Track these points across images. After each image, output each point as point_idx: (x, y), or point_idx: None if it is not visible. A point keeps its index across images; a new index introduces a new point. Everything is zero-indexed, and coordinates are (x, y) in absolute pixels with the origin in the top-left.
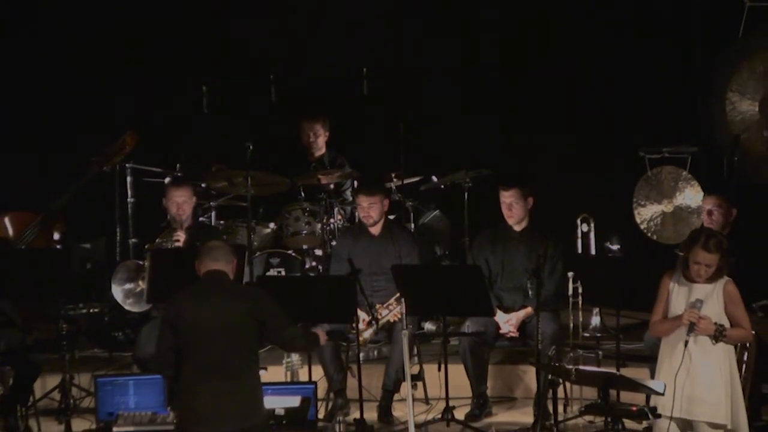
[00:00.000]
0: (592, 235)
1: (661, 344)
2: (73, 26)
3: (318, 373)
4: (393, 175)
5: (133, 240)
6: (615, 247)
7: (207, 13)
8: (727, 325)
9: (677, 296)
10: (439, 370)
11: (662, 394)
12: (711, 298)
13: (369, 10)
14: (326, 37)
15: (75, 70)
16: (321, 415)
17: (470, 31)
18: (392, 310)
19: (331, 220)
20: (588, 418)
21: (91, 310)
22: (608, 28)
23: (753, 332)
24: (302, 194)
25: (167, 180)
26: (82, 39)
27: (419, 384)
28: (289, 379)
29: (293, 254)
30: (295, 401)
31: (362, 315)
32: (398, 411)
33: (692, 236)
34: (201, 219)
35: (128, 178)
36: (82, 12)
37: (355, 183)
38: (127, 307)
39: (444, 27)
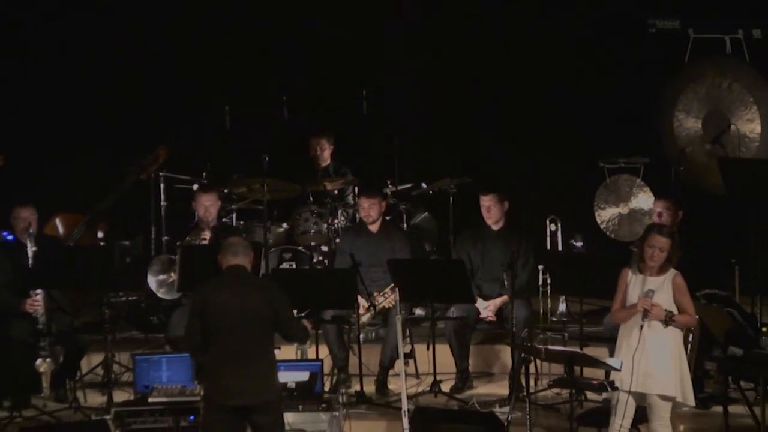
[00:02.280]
0: (559, 233)
1: (620, 328)
2: (121, 57)
3: (324, 351)
4: (388, 182)
5: (166, 238)
6: (579, 243)
7: (228, 43)
8: (675, 312)
9: (633, 287)
10: (428, 349)
11: (619, 370)
12: (662, 288)
13: (368, 42)
14: (331, 64)
15: (115, 93)
16: (327, 388)
17: (454, 60)
18: (387, 298)
19: (335, 221)
20: (555, 390)
21: (130, 298)
22: (576, 57)
23: (697, 317)
24: (311, 199)
25: (195, 186)
26: (126, 69)
27: (411, 361)
28: (299, 357)
29: (303, 250)
30: (304, 376)
31: (362, 302)
32: (393, 384)
33: (648, 228)
34: (224, 220)
35: (161, 185)
36: (130, 45)
37: (356, 189)
38: (160, 295)
39: (433, 57)
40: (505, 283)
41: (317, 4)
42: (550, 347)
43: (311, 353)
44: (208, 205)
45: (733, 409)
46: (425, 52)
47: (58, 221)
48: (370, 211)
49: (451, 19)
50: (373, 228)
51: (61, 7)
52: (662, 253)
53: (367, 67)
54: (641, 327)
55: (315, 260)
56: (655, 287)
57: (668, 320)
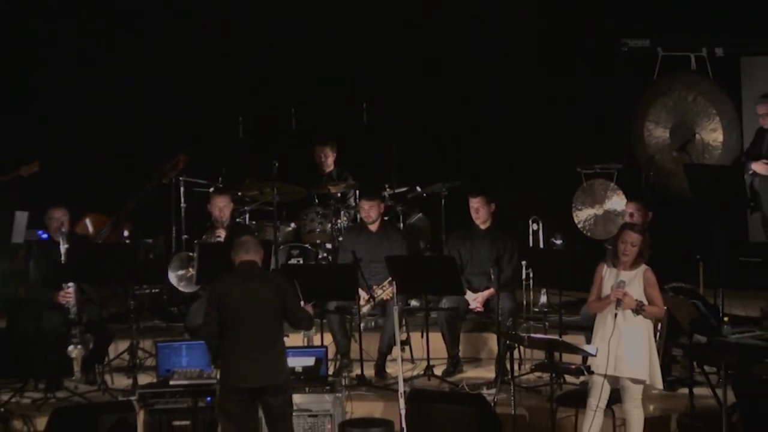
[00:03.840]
0: (540, 232)
1: (596, 317)
2: (146, 73)
3: (328, 339)
4: (386, 186)
5: (185, 236)
6: (558, 241)
7: (243, 60)
8: (646, 303)
9: (608, 280)
10: (422, 337)
11: (594, 356)
12: (633, 281)
13: (368, 61)
14: (334, 80)
15: (140, 106)
16: (330, 372)
17: (447, 76)
18: (386, 290)
19: (338, 221)
20: (537, 374)
21: (153, 290)
22: (557, 73)
23: (665, 308)
24: (316, 201)
25: (211, 190)
26: (151, 84)
27: (407, 348)
28: (305, 344)
29: (309, 247)
30: (310, 361)
31: (362, 294)
32: (390, 369)
33: (621, 226)
34: (237, 220)
35: (181, 188)
36: (155, 64)
37: (357, 192)
38: (180, 288)
39: (427, 73)
40: (492, 277)
41: (324, 27)
42: (532, 335)
43: (317, 340)
44: (222, 207)
45: (698, 391)
46: (420, 68)
47: (87, 221)
48: (370, 212)
49: (444, 40)
50: (373, 227)
51: (91, 25)
52: (633, 247)
53: (367, 83)
54: (615, 315)
55: (320, 256)
56: (628, 280)
57: (638, 309)
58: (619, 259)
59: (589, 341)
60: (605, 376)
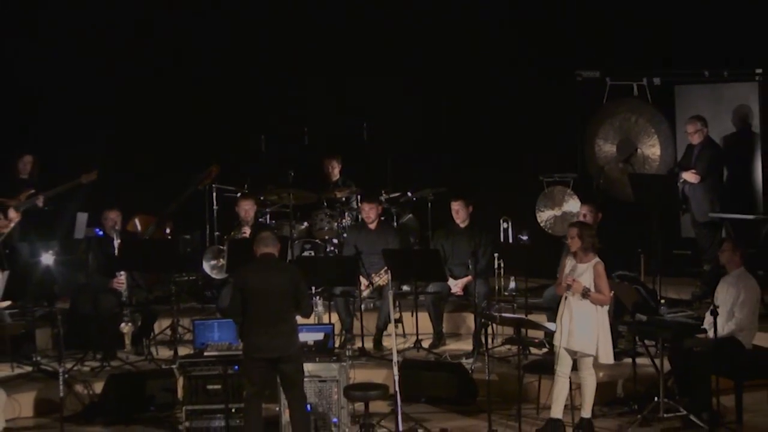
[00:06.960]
0: (510, 230)
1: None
2: (181, 97)
3: (334, 318)
4: (383, 191)
5: (217, 233)
6: (525, 237)
7: (266, 88)
8: (593, 290)
9: (567, 269)
10: (412, 316)
11: (553, 332)
12: (586, 272)
13: (368, 85)
14: (340, 102)
15: (180, 126)
16: (337, 345)
17: (434, 100)
18: (382, 278)
19: (343, 221)
20: (507, 346)
21: (190, 278)
22: (524, 99)
23: (612, 294)
24: (325, 204)
25: (239, 194)
26: (189, 104)
27: (399, 325)
28: (315, 322)
29: (319, 242)
30: (320, 336)
31: (363, 281)
32: (386, 342)
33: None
34: (260, 219)
35: (213, 194)
36: (188, 90)
37: (359, 197)
38: (213, 276)
39: (414, 98)
40: (470, 266)
41: (329, 60)
42: (503, 314)
43: (325, 319)
44: (247, 209)
45: (640, 360)
46: (411, 92)
47: (136, 221)
48: (369, 213)
49: (433, 68)
50: (372, 226)
51: (135, 51)
52: (574, 239)
53: (366, 105)
54: (566, 298)
55: (328, 250)
56: (580, 271)
57: (585, 295)
58: (575, 252)
59: (551, 320)
60: (559, 347)
